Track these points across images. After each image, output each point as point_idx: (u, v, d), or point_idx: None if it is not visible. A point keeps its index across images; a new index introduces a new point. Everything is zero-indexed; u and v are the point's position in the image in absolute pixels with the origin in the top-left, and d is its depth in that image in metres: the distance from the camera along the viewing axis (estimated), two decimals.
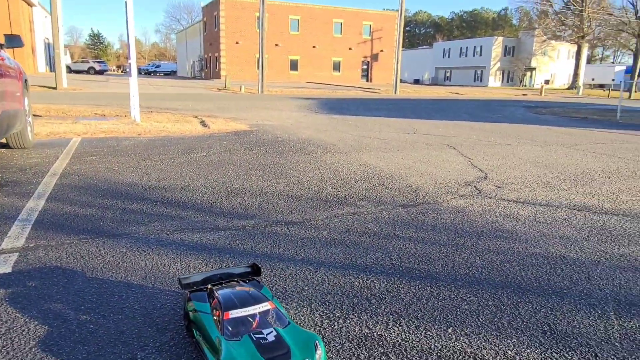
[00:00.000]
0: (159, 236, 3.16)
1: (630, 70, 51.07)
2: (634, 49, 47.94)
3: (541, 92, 36.99)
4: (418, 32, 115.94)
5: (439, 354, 1.88)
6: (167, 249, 2.94)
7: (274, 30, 47.28)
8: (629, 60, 63.45)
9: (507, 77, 61.13)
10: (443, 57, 69.22)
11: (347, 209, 3.97)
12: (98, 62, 57.09)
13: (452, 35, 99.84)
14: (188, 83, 39.07)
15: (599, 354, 1.91)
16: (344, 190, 4.61)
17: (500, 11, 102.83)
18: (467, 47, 64.47)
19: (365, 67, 54.94)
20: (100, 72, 52.88)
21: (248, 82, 37.67)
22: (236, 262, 2.77)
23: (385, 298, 2.35)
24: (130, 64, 9.95)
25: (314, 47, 51.32)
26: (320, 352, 1.67)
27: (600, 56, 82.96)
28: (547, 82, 52.41)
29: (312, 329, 2.03)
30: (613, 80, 56.31)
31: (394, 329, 2.06)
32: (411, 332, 2.04)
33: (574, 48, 53.57)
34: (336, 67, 53.27)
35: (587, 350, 1.94)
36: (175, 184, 4.69)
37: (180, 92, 24.42)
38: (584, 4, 48.05)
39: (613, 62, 73.05)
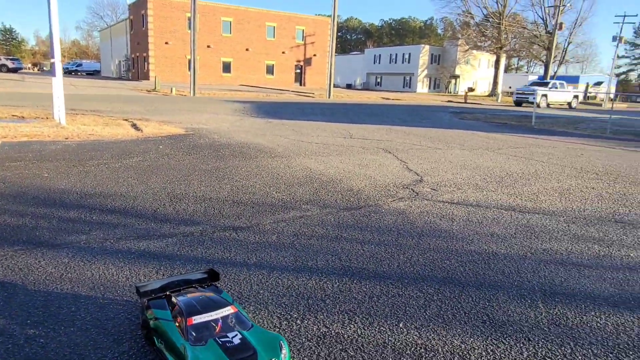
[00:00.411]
0: (102, 245, 3.06)
1: (542, 79, 55.62)
2: (544, 60, 52.25)
3: (465, 98, 39.25)
4: (349, 38, 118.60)
5: (392, 347, 2.01)
6: (113, 257, 2.86)
7: (205, 31, 46.34)
8: (540, 70, 68.96)
9: (433, 83, 64.22)
10: (374, 63, 71.35)
11: (293, 213, 4.04)
12: (11, 59, 52.82)
13: (382, 42, 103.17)
14: (114, 84, 37.21)
15: (531, 339, 2.14)
16: (288, 195, 4.68)
17: (427, 20, 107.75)
18: (396, 54, 66.95)
19: (298, 71, 55.33)
20: (14, 70, 49.00)
21: (179, 84, 36.58)
22: (188, 268, 2.75)
23: (338, 298, 2.46)
24: (54, 62, 9.37)
25: (247, 49, 50.89)
26: (285, 351, 1.74)
27: (515, 66, 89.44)
28: (470, 89, 55.68)
29: (272, 330, 2.09)
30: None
31: (349, 327, 2.16)
32: (366, 328, 2.16)
33: (493, 58, 57.39)
34: (270, 70, 53.18)
35: (521, 336, 2.16)
36: (113, 190, 4.52)
37: (107, 94, 23.24)
38: (501, 18, 51.68)
39: (527, 72, 79.09)
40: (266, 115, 15.10)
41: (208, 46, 47.85)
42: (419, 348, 2.01)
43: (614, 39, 52.48)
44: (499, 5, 52.32)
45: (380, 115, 18.24)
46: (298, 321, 2.19)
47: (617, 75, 74.11)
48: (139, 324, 2.08)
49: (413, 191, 5.14)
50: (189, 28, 41.70)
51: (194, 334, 1.75)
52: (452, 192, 5.18)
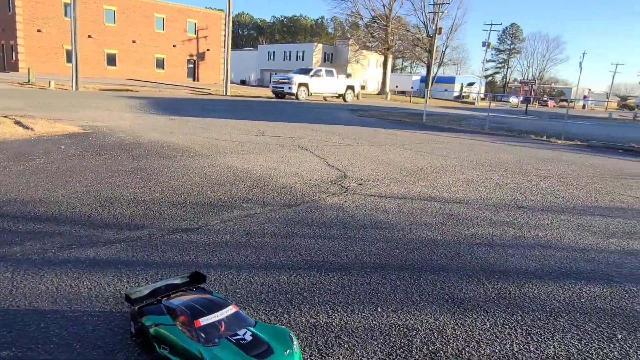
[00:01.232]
0: (44, 255, 2.82)
1: (424, 80, 60.27)
2: (426, 62, 56.71)
3: (358, 96, 41.16)
4: (241, 33, 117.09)
5: (380, 330, 2.19)
6: (62, 268, 2.66)
7: (86, 20, 42.54)
8: (422, 71, 74.57)
9: None
10: (268, 59, 71.39)
11: (236, 212, 4.05)
12: None
13: (274, 38, 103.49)
14: None
15: (488, 311, 2.46)
16: (224, 194, 4.64)
17: (318, 19, 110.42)
18: (290, 51, 67.73)
19: (191, 65, 53.36)
20: None
21: (56, 76, 33.23)
22: (153, 274, 2.67)
23: (314, 290, 2.58)
24: None
25: (134, 41, 47.79)
26: (295, 342, 1.82)
27: (400, 66, 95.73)
28: (362, 87, 58.43)
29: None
30: (412, 88, 65.55)
31: (334, 315, 2.30)
32: (350, 315, 2.31)
33: (381, 58, 60.78)
34: (160, 64, 50.56)
35: (480, 309, 2.48)
36: (28, 196, 4.11)
37: None
38: (387, 20, 54.94)
39: (411, 72, 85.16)
40: (165, 112, 14.44)
41: (89, 36, 44.08)
42: (402, 328, 2.21)
43: (484, 44, 58.68)
44: (386, 8, 55.49)
45: (283, 112, 18.44)
46: (285, 315, 2.28)
47: (486, 77, 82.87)
48: (127, 333, 2.01)
49: (342, 187, 5.39)
50: (66, 15, 37.96)
51: (204, 336, 1.76)
52: (377, 186, 5.54)
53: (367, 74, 67.31)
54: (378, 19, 56.40)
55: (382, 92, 55.56)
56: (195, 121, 12.07)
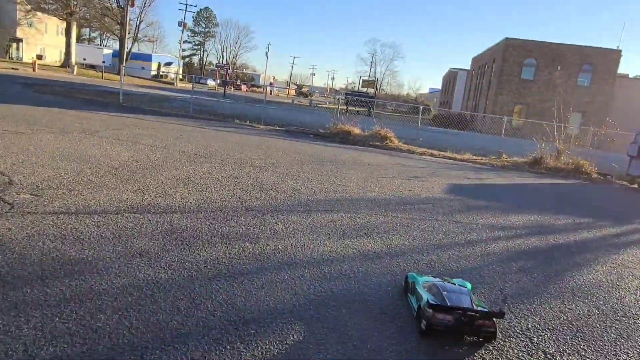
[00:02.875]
0: None
1: (117, 54, 55.12)
2: (118, 35, 51.77)
3: (34, 67, 34.00)
4: None
5: None
6: None
7: None
8: (115, 44, 68.28)
9: None
10: None
11: None
12: None
13: None
14: None
15: None
16: None
17: None
18: None
19: None
20: None
21: None
22: None
23: None
24: None
25: None
26: None
27: (88, 37, 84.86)
28: (39, 57, 48.84)
29: None
30: (103, 62, 59.22)
31: None
32: None
33: (64, 25, 52.14)
34: None
35: None
36: None
37: None
38: None
39: (101, 45, 76.55)
40: None
41: None
42: None
43: (179, 24, 57.95)
44: None
45: None
46: None
47: (183, 57, 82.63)
48: None
49: (4, 202, 3.62)
50: None
51: None
52: (63, 196, 3.98)
53: (45, 42, 56.92)
54: None
55: (66, 64, 47.88)
56: None
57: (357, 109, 36.65)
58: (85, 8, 52.67)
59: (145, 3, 53.66)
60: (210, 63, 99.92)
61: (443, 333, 2.31)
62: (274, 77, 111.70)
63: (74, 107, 12.22)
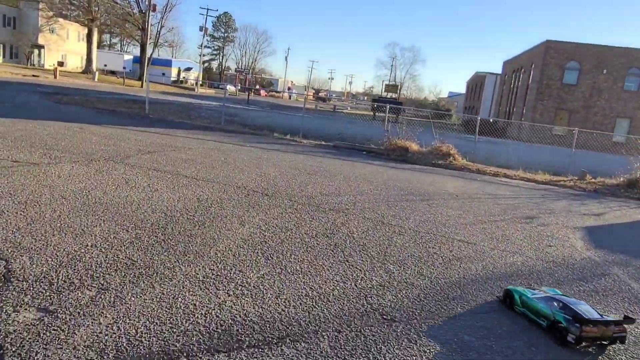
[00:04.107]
0: None
1: (138, 60, 54.30)
2: (139, 40, 50.98)
3: (55, 74, 33.09)
4: None
5: None
6: None
7: None
8: (135, 50, 67.74)
9: (10, 52, 52.18)
10: None
11: None
12: None
13: None
14: None
15: None
16: None
17: None
18: None
19: None
20: None
21: None
22: None
23: None
24: None
25: None
26: None
27: (109, 42, 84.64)
28: (60, 63, 48.24)
29: None
30: (124, 68, 58.59)
31: None
32: None
33: (85, 30, 51.57)
34: None
35: None
36: None
37: None
38: None
39: (122, 51, 76.12)
40: None
41: None
42: None
43: (200, 28, 56.96)
44: None
45: None
46: None
47: (203, 63, 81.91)
48: None
49: None
50: None
51: None
52: (91, 306, 2.40)
53: (66, 48, 56.49)
54: None
55: (87, 70, 47.16)
56: None
57: (384, 114, 34.95)
58: (107, 14, 52.14)
59: (166, 8, 52.79)
60: (229, 68, 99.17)
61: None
62: (292, 82, 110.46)
63: (97, 121, 10.80)
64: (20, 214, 3.61)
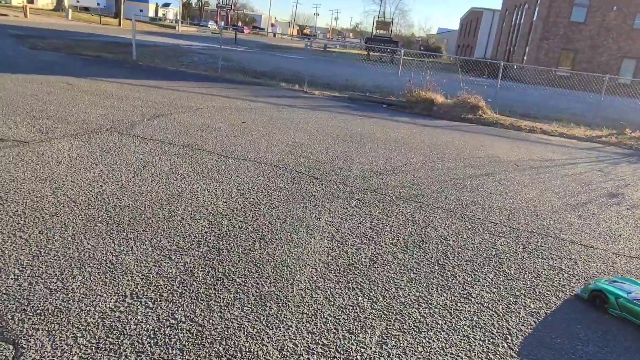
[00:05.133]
0: None
1: None
2: None
3: (25, 13, 30.29)
4: None
5: None
6: None
7: None
8: None
9: None
10: None
11: None
12: None
13: None
14: None
15: None
16: None
17: None
18: None
19: None
20: None
21: None
22: None
23: None
24: None
25: None
26: None
27: None
28: (30, 0, 44.49)
29: None
30: (98, 4, 54.54)
31: None
32: None
33: None
34: None
35: None
36: None
37: None
38: None
39: None
40: None
41: None
42: None
43: None
44: None
45: None
46: None
47: None
48: None
49: None
50: None
51: None
52: None
53: None
54: None
55: (59, 7, 43.65)
56: None
57: (378, 54, 33.16)
58: None
59: None
60: (208, 3, 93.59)
61: None
62: (275, 19, 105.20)
63: (84, 73, 9.43)
64: (19, 244, 2.60)
